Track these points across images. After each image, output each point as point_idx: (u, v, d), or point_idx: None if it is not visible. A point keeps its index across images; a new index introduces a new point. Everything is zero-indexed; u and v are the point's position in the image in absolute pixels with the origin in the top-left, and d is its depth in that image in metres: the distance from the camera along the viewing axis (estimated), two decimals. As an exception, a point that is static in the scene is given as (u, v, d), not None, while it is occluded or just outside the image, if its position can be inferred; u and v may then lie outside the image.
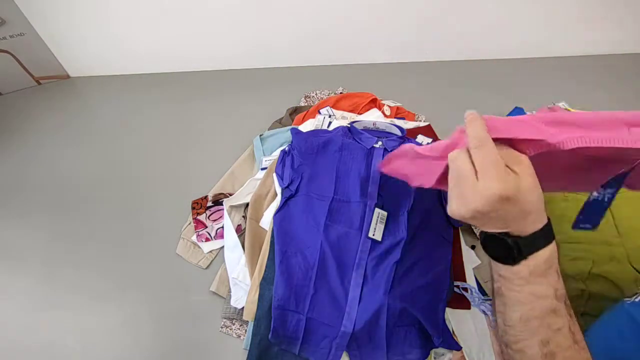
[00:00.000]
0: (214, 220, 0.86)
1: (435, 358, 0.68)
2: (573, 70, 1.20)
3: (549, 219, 0.36)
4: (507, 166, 0.34)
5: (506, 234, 0.36)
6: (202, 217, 0.86)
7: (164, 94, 1.18)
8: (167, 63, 1.22)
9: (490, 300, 0.73)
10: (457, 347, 0.68)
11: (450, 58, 1.25)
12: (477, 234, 0.82)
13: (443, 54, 1.24)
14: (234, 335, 0.74)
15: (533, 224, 0.35)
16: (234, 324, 0.75)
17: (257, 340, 0.67)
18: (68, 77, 1.23)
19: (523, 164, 0.35)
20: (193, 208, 0.88)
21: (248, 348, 0.68)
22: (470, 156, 0.36)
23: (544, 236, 0.35)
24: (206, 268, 0.83)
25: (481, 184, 0.34)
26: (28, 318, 0.78)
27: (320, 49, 1.20)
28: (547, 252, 0.35)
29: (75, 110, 1.14)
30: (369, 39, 1.17)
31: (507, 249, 0.36)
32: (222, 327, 0.75)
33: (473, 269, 0.78)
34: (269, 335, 0.66)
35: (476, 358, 0.67)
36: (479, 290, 0.75)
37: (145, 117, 1.12)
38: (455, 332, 0.70)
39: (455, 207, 0.37)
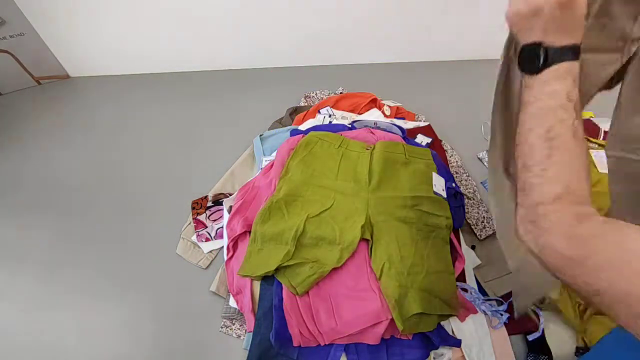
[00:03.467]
0: (214, 220, 0.86)
1: (435, 358, 0.68)
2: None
3: (580, 44, 0.40)
4: None
5: (539, 45, 0.40)
6: (202, 217, 0.86)
7: (163, 94, 1.18)
8: (166, 63, 1.22)
9: (490, 300, 0.73)
10: (457, 344, 0.68)
11: (450, 58, 1.25)
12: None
13: (443, 54, 1.24)
14: (234, 335, 0.74)
15: (566, 39, 0.40)
16: (234, 324, 0.75)
17: (257, 341, 0.67)
18: (68, 77, 1.23)
19: None
20: (193, 208, 0.88)
21: (248, 348, 0.68)
22: None
23: (572, 52, 0.40)
24: (206, 268, 0.83)
25: None
26: (28, 318, 0.78)
27: (320, 49, 1.20)
28: (569, 65, 0.39)
29: (75, 110, 1.14)
30: (369, 39, 1.17)
31: (536, 59, 0.40)
32: (222, 327, 0.75)
33: (473, 269, 0.78)
34: (271, 336, 0.66)
35: (476, 358, 0.67)
36: (479, 290, 0.75)
37: (145, 117, 1.12)
38: (455, 333, 0.70)
39: (515, 4, 0.40)
